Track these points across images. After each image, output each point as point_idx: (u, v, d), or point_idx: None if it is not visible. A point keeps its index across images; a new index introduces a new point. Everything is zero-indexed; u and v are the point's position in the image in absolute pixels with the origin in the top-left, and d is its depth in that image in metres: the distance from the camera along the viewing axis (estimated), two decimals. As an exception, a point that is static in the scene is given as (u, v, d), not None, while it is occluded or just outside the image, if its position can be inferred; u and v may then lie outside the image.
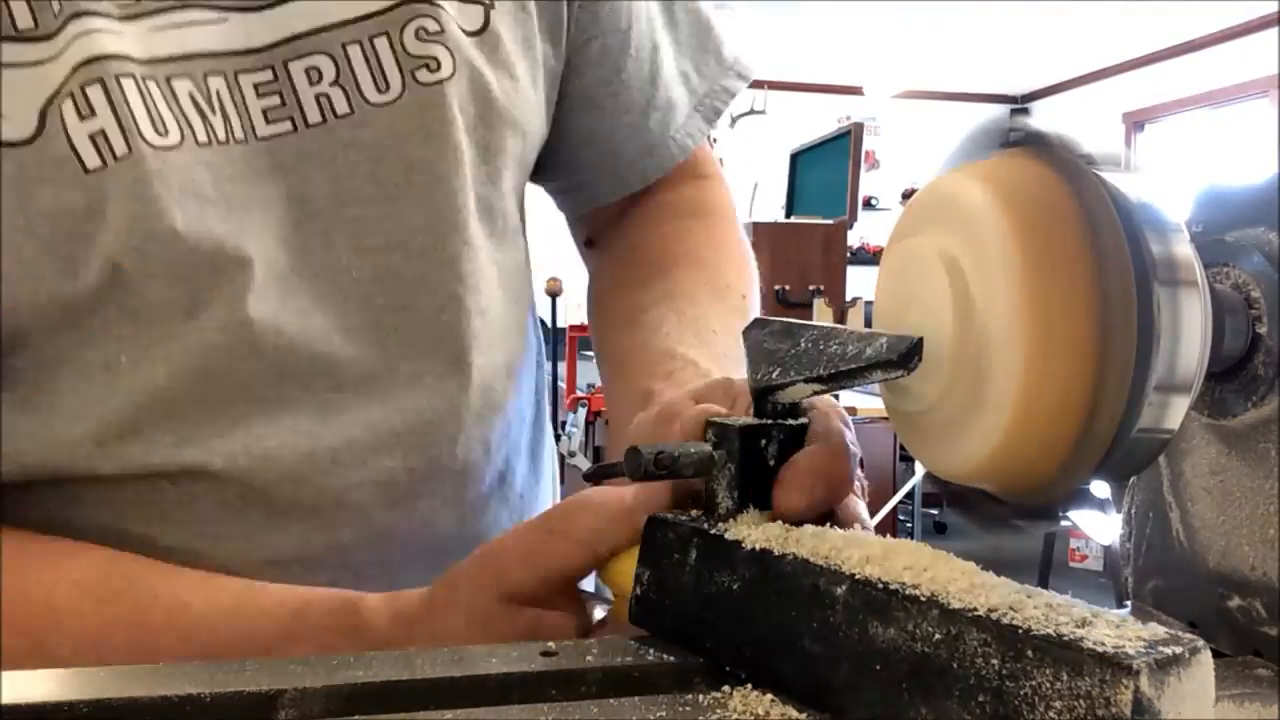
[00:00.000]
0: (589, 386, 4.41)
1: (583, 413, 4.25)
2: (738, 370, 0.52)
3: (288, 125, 0.55)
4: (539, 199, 0.77)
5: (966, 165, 0.36)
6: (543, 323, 1.07)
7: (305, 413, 0.56)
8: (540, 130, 0.67)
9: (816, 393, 0.41)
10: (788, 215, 4.03)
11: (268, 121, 0.54)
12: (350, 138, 0.56)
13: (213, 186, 0.52)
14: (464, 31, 0.59)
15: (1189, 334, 0.32)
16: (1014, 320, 0.32)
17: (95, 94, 0.48)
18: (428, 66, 0.57)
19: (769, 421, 0.42)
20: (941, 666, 0.30)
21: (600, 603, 0.48)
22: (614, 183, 0.75)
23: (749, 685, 0.36)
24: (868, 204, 6.99)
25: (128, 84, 0.49)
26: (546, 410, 0.75)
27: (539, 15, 0.64)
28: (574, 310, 4.54)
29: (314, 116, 0.55)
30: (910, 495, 4.60)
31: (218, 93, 0.53)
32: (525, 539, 0.46)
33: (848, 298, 3.66)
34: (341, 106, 0.56)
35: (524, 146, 0.64)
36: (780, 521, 0.40)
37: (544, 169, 0.72)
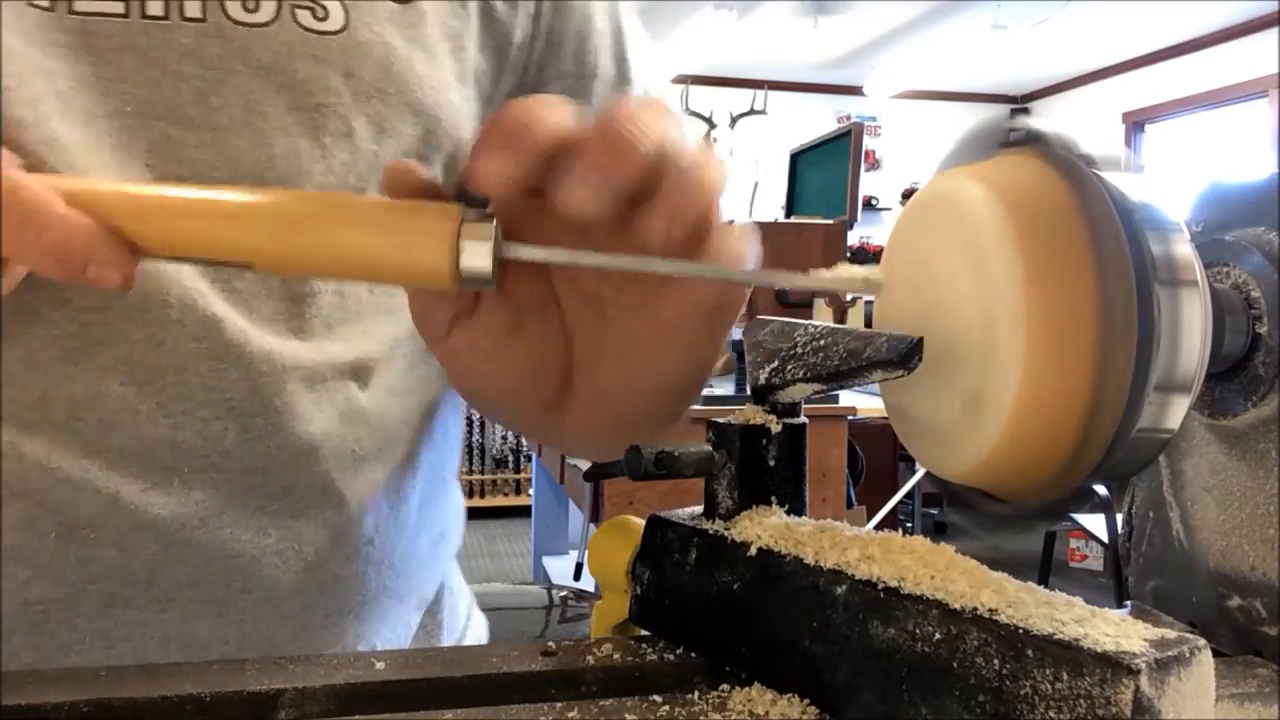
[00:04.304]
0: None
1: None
2: None
3: (118, 6, 0.46)
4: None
5: (966, 165, 0.36)
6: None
7: None
8: (456, 144, 0.58)
9: (817, 392, 0.41)
10: (788, 215, 4.02)
11: None
12: (191, 46, 0.47)
13: None
14: None
15: (1189, 334, 0.32)
16: (1014, 320, 0.32)
17: None
18: (312, 12, 0.50)
19: (769, 421, 0.41)
20: (941, 666, 0.30)
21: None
22: None
23: (749, 685, 0.36)
24: (868, 204, 6.99)
25: None
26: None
27: (481, 27, 0.58)
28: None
29: (155, 8, 0.47)
30: (910, 495, 4.59)
31: None
32: None
33: (848, 297, 3.66)
34: (193, 9, 0.48)
35: (430, 142, 0.56)
36: (779, 518, 0.40)
37: None
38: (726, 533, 0.39)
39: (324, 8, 0.51)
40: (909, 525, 5.06)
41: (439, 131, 0.56)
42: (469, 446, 6.12)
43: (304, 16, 0.50)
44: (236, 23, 0.49)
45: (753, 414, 0.41)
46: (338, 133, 0.51)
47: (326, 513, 0.54)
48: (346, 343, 0.54)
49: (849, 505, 3.44)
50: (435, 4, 0.55)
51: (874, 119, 7.06)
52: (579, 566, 3.11)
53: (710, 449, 0.41)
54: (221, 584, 0.51)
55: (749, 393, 0.42)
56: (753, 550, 0.38)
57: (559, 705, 0.35)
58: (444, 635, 0.68)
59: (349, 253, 0.35)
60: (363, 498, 0.56)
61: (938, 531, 5.65)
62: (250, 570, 0.52)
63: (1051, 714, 0.27)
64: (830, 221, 3.21)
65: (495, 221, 0.35)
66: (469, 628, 0.73)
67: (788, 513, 0.41)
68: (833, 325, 0.40)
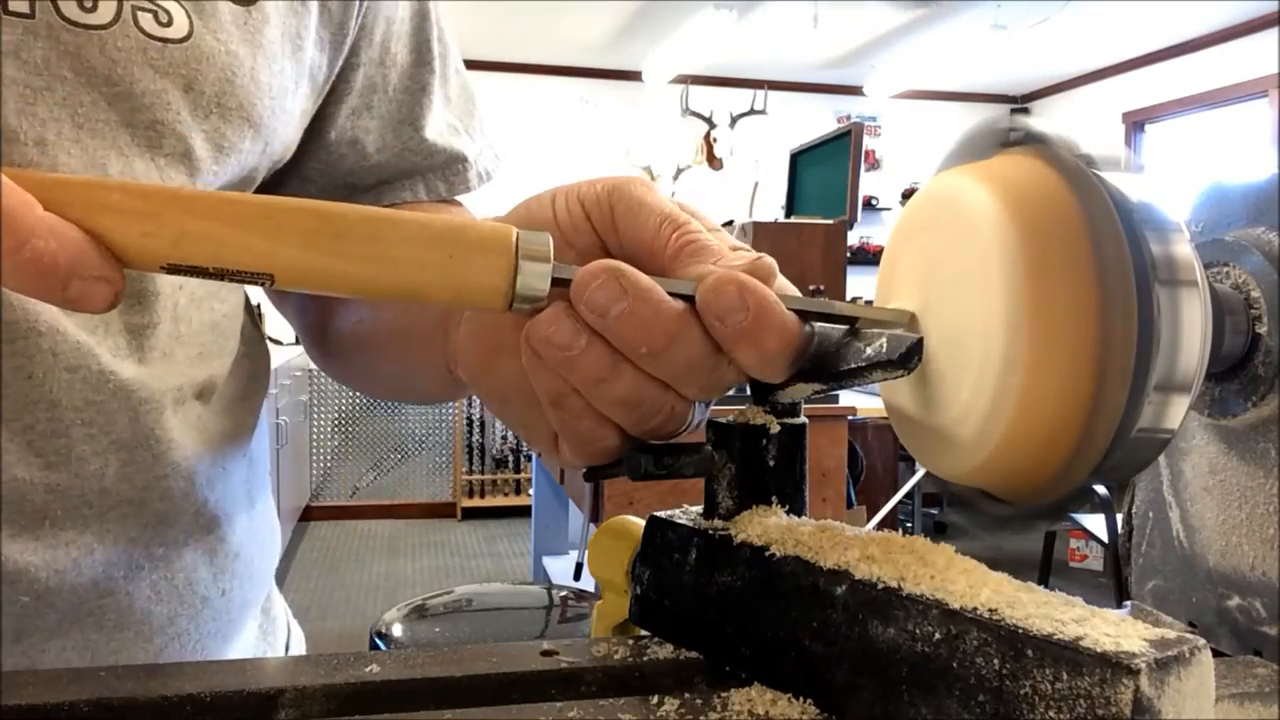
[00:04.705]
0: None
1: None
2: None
3: None
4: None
5: (966, 165, 0.36)
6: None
7: None
8: (286, 147, 0.56)
9: (817, 393, 0.41)
10: (788, 215, 4.03)
11: None
12: (14, 44, 0.42)
13: None
14: None
15: (1189, 334, 0.32)
16: (1014, 320, 0.32)
17: None
18: (155, 16, 0.45)
19: (769, 421, 0.41)
20: (941, 666, 0.30)
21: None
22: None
23: (749, 685, 0.36)
24: (868, 204, 7.00)
25: None
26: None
27: (319, 22, 0.55)
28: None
29: None
30: (910, 495, 4.60)
31: None
32: None
33: (848, 298, 3.66)
34: (19, 4, 0.42)
35: (259, 158, 0.53)
36: (779, 518, 0.40)
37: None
38: (726, 533, 0.39)
39: (167, 12, 0.46)
40: (909, 525, 5.07)
41: (274, 143, 0.53)
42: (469, 447, 6.12)
43: (146, 21, 0.45)
44: (69, 22, 0.43)
45: (752, 414, 0.41)
46: (174, 153, 0.47)
47: (199, 535, 0.53)
48: (189, 366, 0.52)
49: (849, 505, 3.44)
50: (277, 4, 0.52)
51: (874, 119, 7.06)
52: (579, 566, 3.11)
53: (710, 449, 0.41)
54: (94, 628, 0.48)
55: (749, 393, 0.42)
56: (752, 550, 0.38)
57: (559, 705, 0.35)
58: (277, 631, 0.67)
59: (395, 268, 0.32)
60: (230, 513, 0.55)
61: (938, 531, 5.65)
62: (123, 608, 0.49)
63: (1051, 714, 0.27)
64: (830, 221, 3.21)
65: (550, 239, 0.34)
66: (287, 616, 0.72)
67: (788, 513, 0.41)
68: (833, 325, 0.40)
